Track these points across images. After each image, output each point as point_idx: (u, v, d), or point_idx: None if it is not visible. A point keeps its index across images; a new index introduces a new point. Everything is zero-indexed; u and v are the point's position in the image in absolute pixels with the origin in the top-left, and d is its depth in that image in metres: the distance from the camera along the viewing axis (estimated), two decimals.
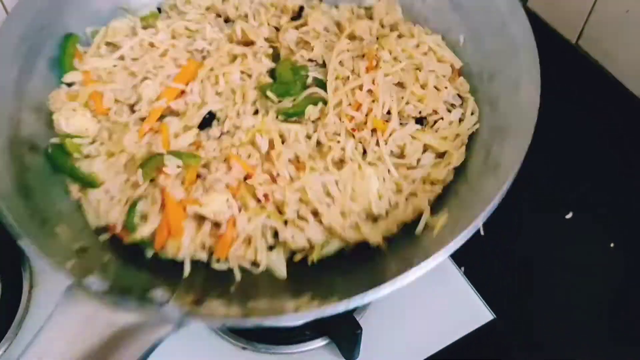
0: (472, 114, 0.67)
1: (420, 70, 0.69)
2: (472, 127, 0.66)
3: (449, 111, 0.68)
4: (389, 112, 0.66)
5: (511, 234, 0.81)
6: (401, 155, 0.65)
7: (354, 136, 0.65)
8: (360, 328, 0.65)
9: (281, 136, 0.65)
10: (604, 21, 0.99)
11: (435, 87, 0.68)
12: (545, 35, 1.07)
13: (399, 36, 0.73)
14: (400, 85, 0.68)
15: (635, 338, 0.75)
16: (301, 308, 0.52)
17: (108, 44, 0.73)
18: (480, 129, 0.66)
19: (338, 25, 0.76)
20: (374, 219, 0.63)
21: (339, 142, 0.64)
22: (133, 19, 0.76)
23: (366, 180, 0.61)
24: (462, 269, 0.78)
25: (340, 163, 0.64)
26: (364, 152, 0.65)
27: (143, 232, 0.61)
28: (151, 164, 0.63)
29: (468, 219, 0.53)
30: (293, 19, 0.77)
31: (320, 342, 0.72)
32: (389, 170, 0.63)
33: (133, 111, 0.68)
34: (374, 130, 0.65)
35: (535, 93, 0.59)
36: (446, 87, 0.69)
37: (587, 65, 1.04)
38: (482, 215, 0.53)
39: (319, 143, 0.65)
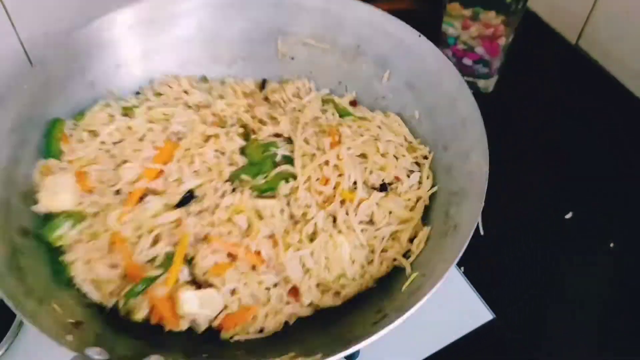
0: (427, 177, 0.74)
1: (379, 141, 0.76)
2: (431, 189, 0.73)
3: (408, 176, 0.75)
4: (355, 183, 0.72)
5: (511, 234, 0.82)
6: (370, 222, 0.71)
7: (324, 209, 0.69)
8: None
9: (258, 212, 0.69)
10: (603, 21, 0.99)
11: (394, 156, 0.75)
12: (545, 36, 1.08)
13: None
14: (363, 156, 0.75)
15: (635, 338, 0.75)
16: None
17: (89, 131, 0.76)
18: (438, 193, 0.73)
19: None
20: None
21: (311, 217, 0.68)
22: (115, 105, 0.79)
23: (338, 249, 0.67)
24: (462, 269, 0.78)
25: (313, 234, 0.68)
26: (335, 220, 0.70)
27: (138, 317, 0.64)
28: (137, 292, 0.64)
29: (434, 279, 0.59)
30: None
31: None
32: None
33: (117, 193, 0.72)
34: (342, 202, 0.70)
35: (484, 162, 0.65)
36: (404, 155, 0.76)
37: (587, 65, 1.04)
38: (446, 275, 0.58)
39: (292, 216, 0.70)
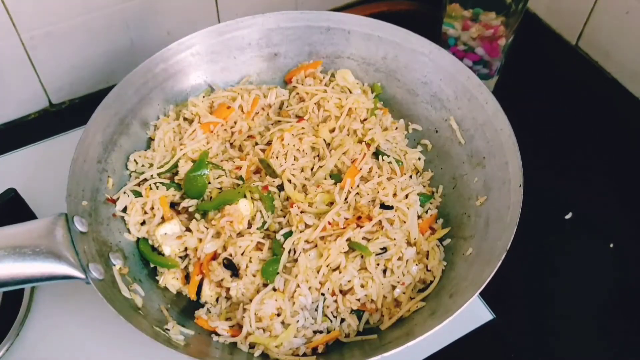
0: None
1: (391, 256, 0.72)
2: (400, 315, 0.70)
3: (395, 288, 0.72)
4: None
5: None
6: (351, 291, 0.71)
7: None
8: None
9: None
10: (603, 22, 1.00)
11: (383, 270, 0.72)
12: (545, 37, 1.08)
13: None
14: (347, 253, 0.72)
15: (635, 337, 0.75)
16: None
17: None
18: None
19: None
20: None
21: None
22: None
23: (295, 302, 0.69)
24: None
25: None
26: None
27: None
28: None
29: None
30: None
31: None
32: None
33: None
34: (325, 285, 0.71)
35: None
36: (402, 272, 0.72)
37: (586, 65, 1.04)
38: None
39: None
